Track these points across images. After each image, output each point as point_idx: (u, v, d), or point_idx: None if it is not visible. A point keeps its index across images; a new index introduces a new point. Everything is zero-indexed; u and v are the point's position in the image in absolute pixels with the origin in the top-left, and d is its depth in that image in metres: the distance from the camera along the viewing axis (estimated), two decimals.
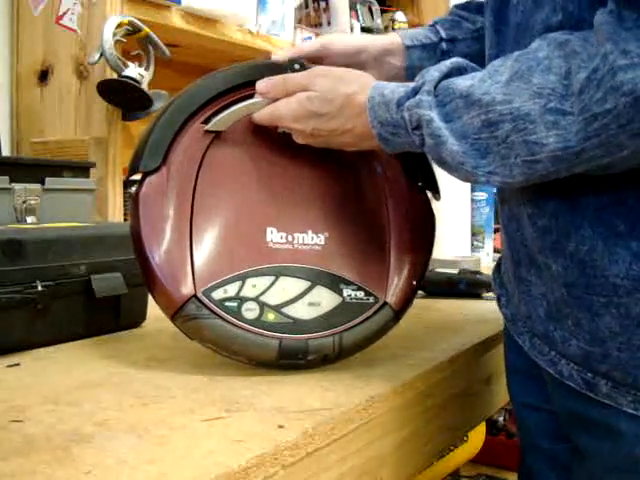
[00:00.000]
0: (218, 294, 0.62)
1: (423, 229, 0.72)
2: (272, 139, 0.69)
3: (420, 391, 0.66)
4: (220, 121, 0.66)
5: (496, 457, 1.76)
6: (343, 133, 0.64)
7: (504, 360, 0.78)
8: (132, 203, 0.65)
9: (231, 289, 0.63)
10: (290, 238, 0.66)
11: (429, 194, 0.74)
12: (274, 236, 0.66)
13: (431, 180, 0.73)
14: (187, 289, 0.62)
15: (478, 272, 1.17)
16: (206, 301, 0.62)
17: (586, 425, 0.61)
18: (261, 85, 0.67)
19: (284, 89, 0.66)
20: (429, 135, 0.56)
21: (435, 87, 0.57)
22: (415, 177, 0.72)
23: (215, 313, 0.62)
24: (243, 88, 0.68)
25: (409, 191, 0.72)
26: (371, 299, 0.67)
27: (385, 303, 0.68)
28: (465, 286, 1.13)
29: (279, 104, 0.66)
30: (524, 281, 0.65)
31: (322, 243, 0.67)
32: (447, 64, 0.58)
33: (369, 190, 0.71)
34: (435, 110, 0.56)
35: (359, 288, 0.67)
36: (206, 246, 0.63)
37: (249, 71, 0.69)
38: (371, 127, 0.61)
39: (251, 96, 0.67)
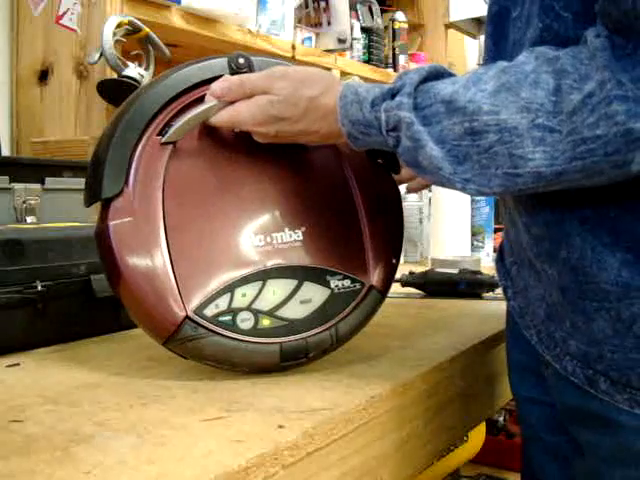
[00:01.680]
0: (210, 310, 0.61)
1: (392, 206, 0.72)
2: (230, 140, 0.66)
3: (420, 391, 0.66)
4: (176, 131, 0.63)
5: (496, 457, 1.76)
6: (309, 134, 0.63)
7: (506, 356, 0.78)
8: (101, 234, 0.61)
9: (222, 303, 0.61)
10: (269, 239, 0.65)
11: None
12: (253, 240, 0.64)
13: (391, 157, 0.72)
14: (178, 312, 0.60)
15: (478, 272, 1.17)
16: (200, 320, 0.60)
17: (586, 419, 0.61)
18: (216, 88, 0.63)
19: (242, 92, 0.63)
20: (408, 138, 0.56)
21: (415, 89, 0.56)
22: (375, 156, 0.71)
23: (211, 330, 0.60)
24: (192, 91, 0.65)
25: (373, 171, 0.71)
26: (358, 285, 0.68)
27: (371, 287, 0.68)
28: (465, 286, 1.13)
29: (239, 108, 0.63)
30: (525, 282, 0.65)
31: (300, 238, 0.66)
32: (425, 67, 0.58)
33: (335, 176, 0.70)
34: (414, 112, 0.55)
35: (345, 277, 0.67)
36: (187, 263, 0.61)
37: (195, 73, 0.65)
38: (340, 125, 0.60)
39: (201, 98, 0.64)
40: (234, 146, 0.66)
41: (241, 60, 0.67)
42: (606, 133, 0.48)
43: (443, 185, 0.57)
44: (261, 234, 0.65)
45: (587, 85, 0.49)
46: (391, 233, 0.71)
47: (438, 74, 0.58)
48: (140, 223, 0.60)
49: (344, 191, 0.70)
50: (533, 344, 0.65)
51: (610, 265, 0.55)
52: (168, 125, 0.63)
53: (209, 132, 0.66)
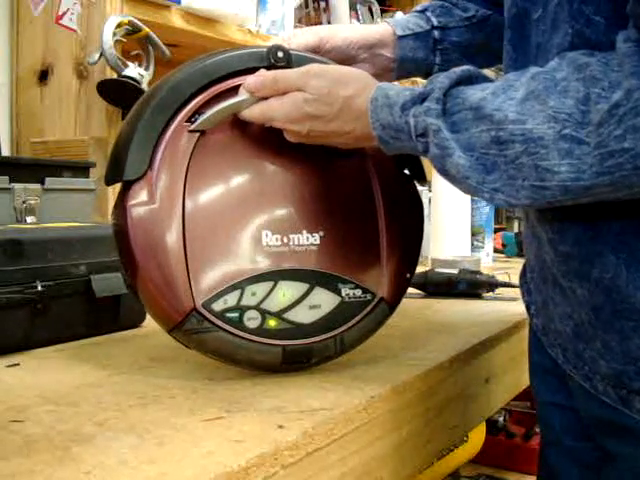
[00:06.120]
0: (218, 305, 0.60)
1: (412, 220, 0.71)
2: (259, 136, 0.65)
3: (420, 391, 0.66)
4: (206, 120, 0.62)
5: (496, 457, 1.76)
6: (341, 135, 0.62)
7: (528, 358, 0.77)
8: (119, 214, 0.61)
9: (231, 299, 0.61)
10: (285, 240, 0.64)
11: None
12: (269, 239, 0.64)
13: (418, 167, 0.71)
14: (186, 303, 0.59)
15: (478, 272, 1.17)
16: (207, 314, 0.60)
17: (617, 431, 0.60)
18: (250, 82, 0.63)
19: (276, 88, 0.62)
20: (435, 145, 0.54)
21: (444, 95, 0.55)
22: (402, 165, 0.70)
23: (217, 325, 0.60)
24: (225, 80, 0.64)
25: (398, 180, 0.70)
26: (368, 296, 0.67)
27: (381, 299, 0.67)
28: (465, 286, 1.13)
29: (272, 104, 0.62)
30: (550, 298, 0.64)
31: (317, 243, 0.66)
32: (457, 71, 0.56)
33: (360, 184, 0.69)
34: (442, 119, 0.54)
35: (357, 286, 0.66)
36: (201, 255, 0.60)
37: (231, 61, 0.64)
38: (372, 129, 0.59)
39: (235, 87, 0.64)
40: (262, 143, 0.66)
41: (280, 54, 0.66)
42: (633, 146, 0.46)
43: (470, 194, 0.56)
44: (278, 234, 0.64)
45: (615, 94, 0.46)
46: (409, 246, 0.70)
47: (472, 77, 0.56)
48: (159, 208, 0.60)
49: (367, 199, 0.69)
50: (560, 363, 0.64)
51: None
52: (198, 112, 0.62)
53: (239, 125, 0.65)
